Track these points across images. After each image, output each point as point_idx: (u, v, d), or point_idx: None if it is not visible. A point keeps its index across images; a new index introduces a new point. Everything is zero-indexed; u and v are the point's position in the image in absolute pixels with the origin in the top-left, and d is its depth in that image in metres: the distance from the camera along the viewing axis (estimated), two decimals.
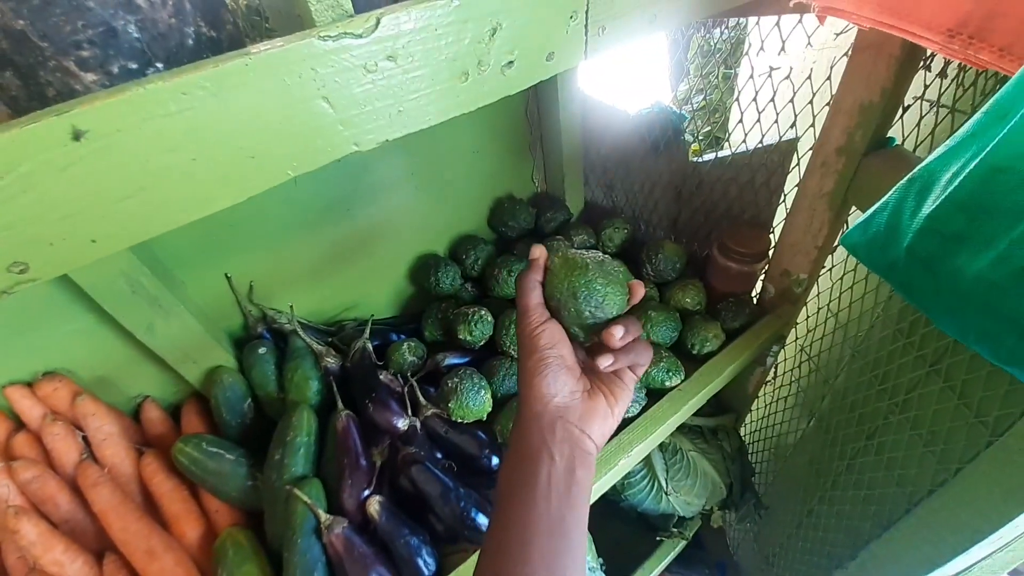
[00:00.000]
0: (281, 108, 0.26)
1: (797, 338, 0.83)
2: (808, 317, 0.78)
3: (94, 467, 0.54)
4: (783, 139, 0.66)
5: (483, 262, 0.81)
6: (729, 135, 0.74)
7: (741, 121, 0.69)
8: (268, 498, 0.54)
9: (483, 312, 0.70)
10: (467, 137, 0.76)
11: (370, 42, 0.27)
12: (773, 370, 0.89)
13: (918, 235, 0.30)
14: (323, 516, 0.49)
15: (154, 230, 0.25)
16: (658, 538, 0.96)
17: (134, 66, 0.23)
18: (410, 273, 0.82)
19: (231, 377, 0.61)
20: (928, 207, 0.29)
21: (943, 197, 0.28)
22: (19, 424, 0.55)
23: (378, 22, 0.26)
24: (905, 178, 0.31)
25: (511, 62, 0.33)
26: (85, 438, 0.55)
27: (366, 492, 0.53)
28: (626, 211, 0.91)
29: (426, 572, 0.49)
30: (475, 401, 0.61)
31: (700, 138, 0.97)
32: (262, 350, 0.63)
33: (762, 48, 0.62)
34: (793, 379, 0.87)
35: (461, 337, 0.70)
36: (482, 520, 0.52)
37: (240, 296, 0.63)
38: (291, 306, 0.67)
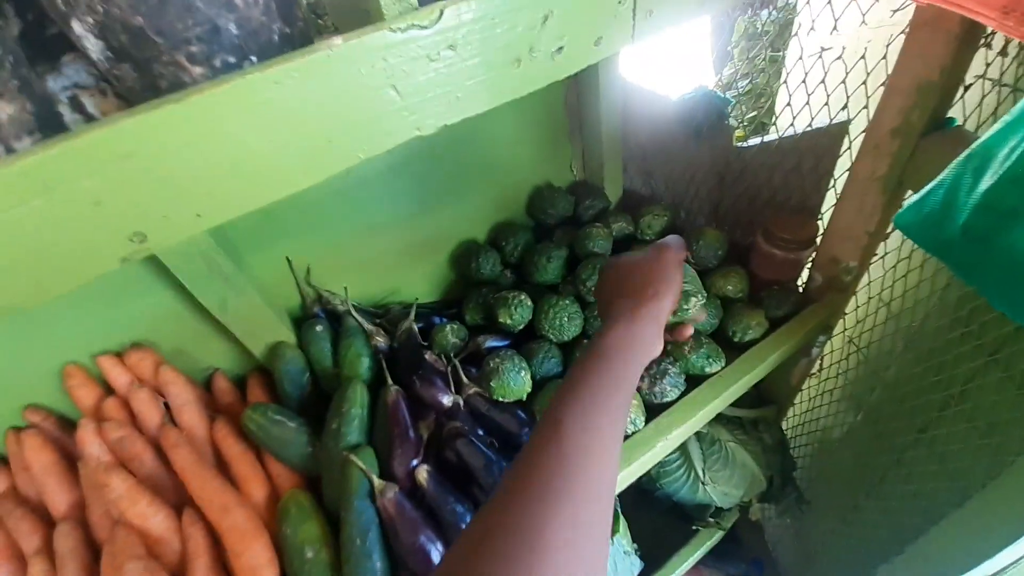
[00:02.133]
0: (356, 95, 0.29)
1: (845, 329, 0.80)
2: (858, 307, 0.75)
3: (174, 430, 0.60)
4: (833, 122, 0.64)
5: (522, 249, 0.83)
6: (776, 119, 0.73)
7: (789, 104, 0.68)
8: (326, 463, 0.58)
9: (523, 297, 0.73)
10: (507, 126, 0.78)
11: (434, 32, 0.29)
12: (819, 362, 0.87)
13: (973, 212, 0.30)
14: (376, 481, 0.53)
15: (249, 206, 0.29)
16: (694, 527, 0.96)
17: (233, 60, 0.27)
18: (451, 259, 0.85)
19: (292, 352, 0.66)
20: (985, 183, 0.29)
21: (1000, 173, 0.28)
22: (109, 390, 0.62)
23: (441, 13, 0.29)
24: (962, 155, 0.31)
25: (561, 48, 0.34)
26: (166, 404, 0.61)
27: (415, 462, 0.56)
28: (665, 198, 0.90)
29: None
30: (515, 381, 0.63)
31: (744, 123, 0.95)
32: (319, 328, 0.67)
33: (813, 28, 0.60)
34: (840, 371, 0.85)
35: (501, 321, 0.72)
36: None
37: (299, 278, 0.68)
38: (345, 288, 0.71)
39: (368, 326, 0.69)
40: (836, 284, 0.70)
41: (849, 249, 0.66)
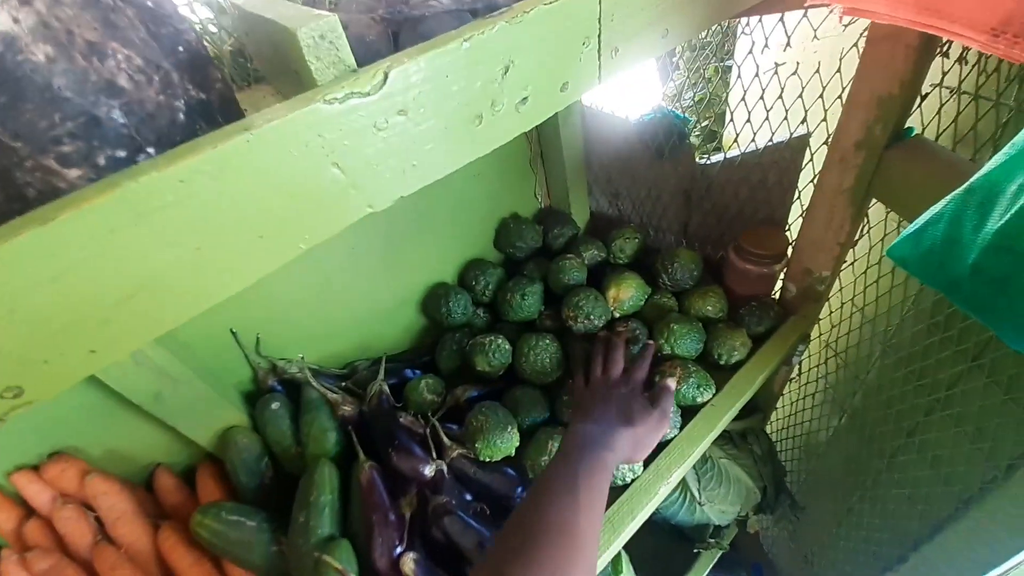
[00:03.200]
0: (289, 181, 0.23)
1: (821, 334, 0.81)
2: (831, 313, 0.76)
3: (110, 548, 0.51)
4: (794, 136, 0.63)
5: (494, 287, 0.79)
6: (738, 135, 0.72)
7: (749, 120, 0.67)
8: (296, 564, 0.51)
9: (500, 340, 0.68)
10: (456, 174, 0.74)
11: (379, 98, 0.24)
12: (797, 367, 0.87)
13: (986, 252, 0.27)
14: None
15: (160, 328, 0.23)
16: (695, 550, 0.94)
17: (123, 154, 0.21)
18: (420, 305, 0.80)
19: (245, 437, 0.58)
20: (995, 222, 0.27)
21: (1013, 211, 0.26)
22: (29, 510, 0.52)
23: (386, 77, 0.24)
24: (962, 188, 0.29)
25: (525, 98, 0.31)
26: (98, 518, 0.52)
27: (399, 549, 0.50)
28: (634, 219, 0.89)
29: None
30: (502, 439, 0.58)
31: (699, 135, 0.95)
32: (275, 405, 0.60)
33: (766, 45, 0.60)
34: (820, 375, 0.85)
35: (480, 369, 0.67)
36: None
37: (247, 349, 0.61)
38: (301, 356, 0.64)
39: (332, 395, 0.62)
40: (811, 294, 0.70)
41: (821, 260, 0.66)
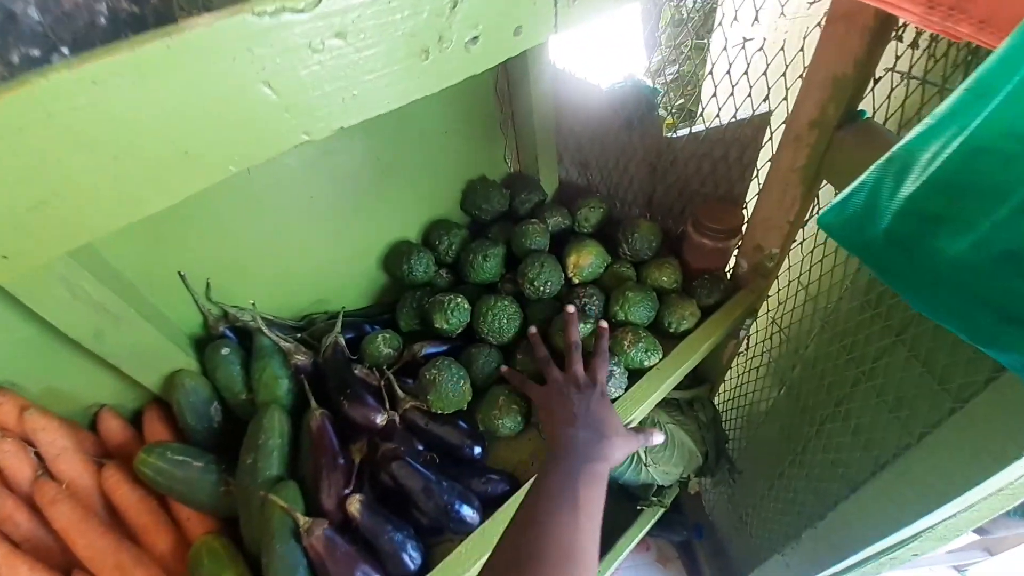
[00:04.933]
0: (215, 96, 0.23)
1: (769, 310, 0.84)
2: (779, 290, 0.79)
3: (50, 484, 0.50)
4: (756, 113, 0.65)
5: (457, 247, 0.79)
6: (703, 109, 0.73)
7: (715, 95, 0.68)
8: (243, 503, 0.52)
9: (459, 300, 0.69)
10: (434, 117, 0.72)
11: (314, 17, 0.24)
12: (745, 342, 0.91)
13: (896, 217, 0.29)
14: (302, 520, 0.48)
15: (77, 239, 0.22)
16: (638, 507, 1.00)
17: (36, 53, 0.20)
18: (382, 261, 0.79)
19: (193, 380, 0.58)
20: (907, 188, 0.29)
21: (923, 178, 0.28)
22: None
23: None
24: (883, 157, 0.31)
25: (476, 37, 0.30)
26: (38, 454, 0.51)
27: (346, 491, 0.51)
28: (601, 189, 0.89)
29: (412, 566, 0.49)
30: (455, 391, 0.59)
31: (673, 112, 0.95)
32: (225, 351, 0.59)
33: (736, 19, 0.60)
34: (765, 350, 0.90)
35: (437, 326, 0.68)
36: (466, 512, 0.51)
37: (197, 294, 0.59)
38: (253, 303, 0.64)
39: (285, 344, 0.62)
40: (760, 270, 0.73)
41: (772, 237, 0.68)
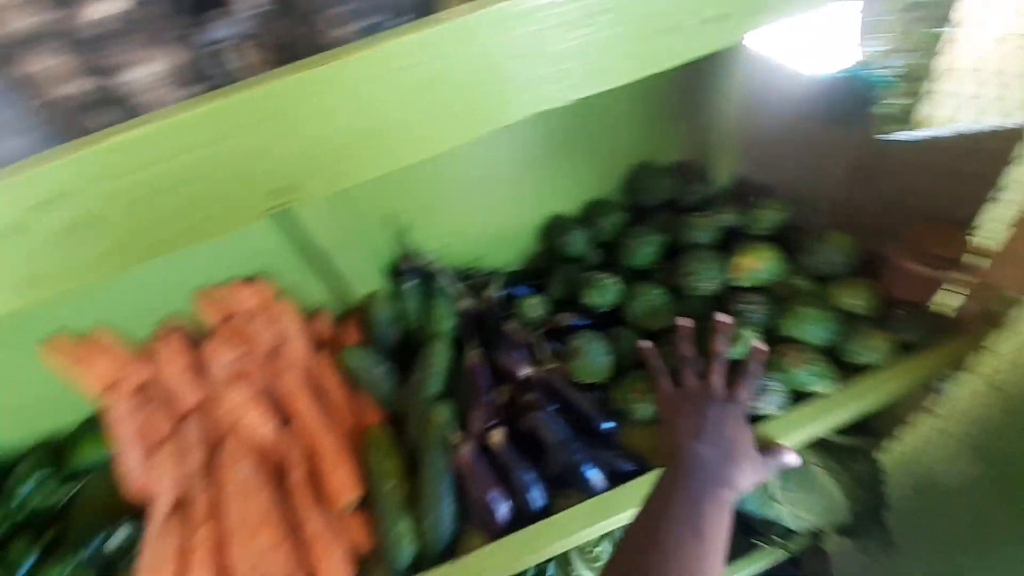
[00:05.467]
0: (491, 64, 0.28)
1: (988, 369, 0.69)
2: (1014, 349, 0.64)
3: (284, 356, 0.67)
4: (1008, 124, 0.52)
5: (615, 229, 0.80)
6: (932, 111, 0.61)
7: (954, 95, 0.56)
8: (408, 409, 0.62)
9: (612, 280, 0.70)
10: (612, 97, 0.73)
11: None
12: (942, 398, 0.76)
13: None
14: (453, 436, 0.56)
15: (389, 166, 0.29)
16: (755, 541, 0.91)
17: (378, 19, 0.27)
18: (538, 231, 0.84)
19: (384, 302, 0.70)
20: None
21: None
22: (231, 314, 0.70)
23: None
24: None
25: (725, 14, 0.31)
26: (279, 332, 0.68)
27: (490, 423, 0.58)
28: (783, 191, 0.81)
29: (535, 505, 0.53)
30: (598, 364, 0.62)
31: (895, 112, 0.81)
32: (411, 284, 0.71)
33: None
34: (972, 417, 0.73)
35: (587, 301, 0.71)
36: (592, 475, 0.54)
37: (399, 234, 0.71)
38: (438, 250, 0.74)
39: (455, 289, 0.71)
40: (991, 318, 0.59)
41: (1017, 279, 0.55)
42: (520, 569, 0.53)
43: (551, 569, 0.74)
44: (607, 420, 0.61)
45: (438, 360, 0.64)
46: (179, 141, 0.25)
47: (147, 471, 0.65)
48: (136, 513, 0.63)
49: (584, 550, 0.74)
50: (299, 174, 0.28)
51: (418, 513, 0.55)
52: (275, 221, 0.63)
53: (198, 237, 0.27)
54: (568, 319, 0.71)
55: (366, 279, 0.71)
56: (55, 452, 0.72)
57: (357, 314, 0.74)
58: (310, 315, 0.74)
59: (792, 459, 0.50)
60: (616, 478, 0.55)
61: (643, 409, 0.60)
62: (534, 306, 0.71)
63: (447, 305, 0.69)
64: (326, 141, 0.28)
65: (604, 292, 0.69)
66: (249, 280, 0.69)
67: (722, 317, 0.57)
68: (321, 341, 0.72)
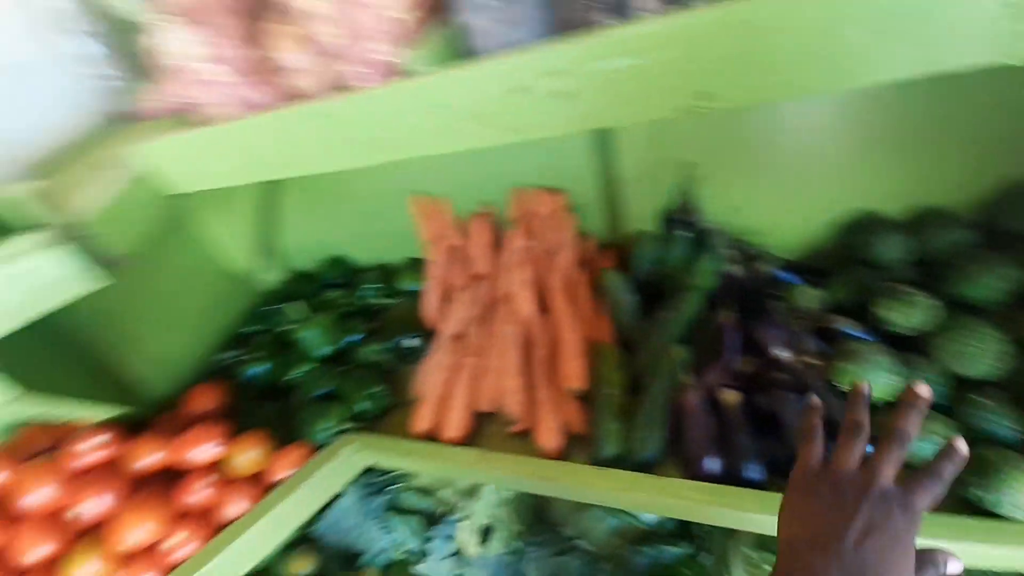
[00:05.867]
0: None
1: None
2: None
3: (556, 259, 0.79)
4: None
5: (949, 248, 0.65)
6: None
7: None
8: (643, 337, 0.67)
9: (930, 301, 0.59)
10: (984, 88, 0.57)
11: None
12: None
13: None
14: (685, 377, 0.59)
15: (808, 91, 0.31)
16: None
17: None
18: (837, 223, 0.74)
19: (652, 242, 0.74)
20: None
21: None
22: (529, 213, 0.85)
23: None
24: None
25: None
26: (559, 239, 0.81)
27: (725, 383, 0.59)
28: None
29: (751, 475, 0.53)
30: (875, 379, 0.55)
31: None
32: (682, 232, 0.73)
33: None
34: None
35: (881, 313, 0.62)
36: None
37: (686, 184, 0.73)
38: (720, 213, 0.73)
39: (727, 251, 0.70)
40: None
41: None
42: (700, 517, 0.55)
43: (708, 559, 0.73)
44: (869, 445, 0.55)
45: (687, 309, 0.66)
46: (652, 43, 0.32)
47: (440, 307, 0.88)
48: (426, 332, 0.88)
49: (751, 560, 0.71)
50: (721, 85, 0.32)
51: (630, 424, 0.61)
52: (594, 145, 0.72)
53: (633, 118, 0.35)
54: (845, 324, 0.64)
55: (641, 218, 0.76)
56: (388, 273, 1.03)
57: (618, 248, 0.81)
58: (583, 235, 0.85)
59: (954, 567, 0.38)
60: None
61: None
62: (809, 297, 0.66)
63: (712, 264, 0.70)
64: (751, 57, 0.31)
65: (912, 311, 0.59)
66: (551, 190, 0.82)
67: (921, 387, 0.39)
68: (583, 260, 0.82)
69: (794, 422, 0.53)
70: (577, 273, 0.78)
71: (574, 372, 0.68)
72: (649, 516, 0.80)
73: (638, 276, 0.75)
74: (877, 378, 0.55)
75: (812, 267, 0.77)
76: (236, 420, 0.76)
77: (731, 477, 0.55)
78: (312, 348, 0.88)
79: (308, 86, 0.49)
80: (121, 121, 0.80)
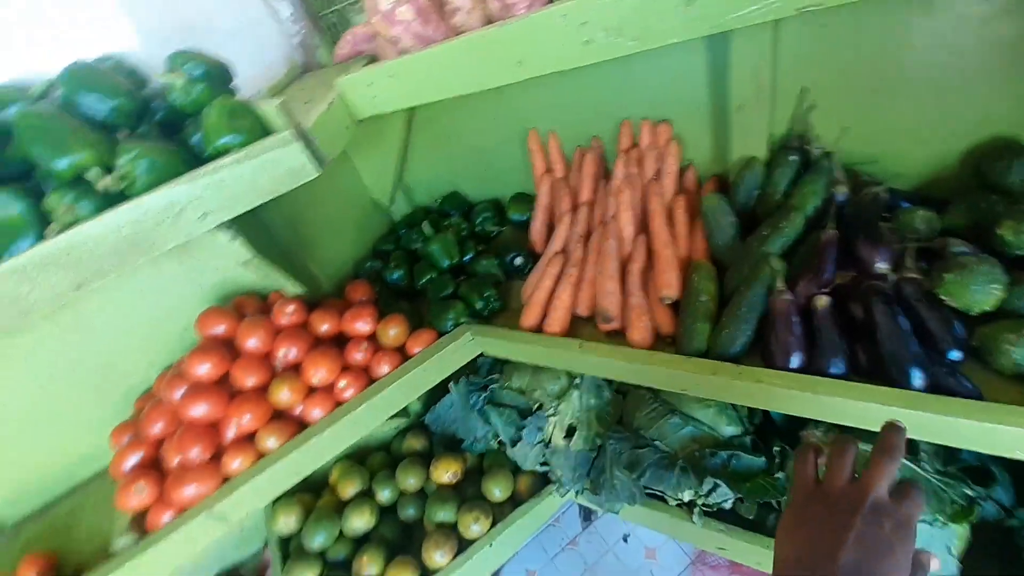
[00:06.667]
0: None
1: None
2: None
3: (656, 184, 0.86)
4: None
5: None
6: None
7: None
8: (738, 257, 0.72)
9: None
10: None
11: None
12: None
13: None
14: (780, 283, 0.64)
15: None
16: None
17: None
18: (966, 151, 0.71)
19: (755, 166, 0.77)
20: None
21: None
22: (634, 144, 0.91)
23: None
24: None
25: None
26: (661, 167, 0.87)
27: (818, 291, 0.63)
28: None
29: (832, 369, 0.58)
30: (981, 290, 0.56)
31: None
32: (792, 157, 0.75)
33: None
34: None
35: (1000, 234, 0.60)
36: (916, 375, 0.53)
37: (801, 108, 0.74)
38: (835, 138, 0.74)
39: (837, 174, 0.72)
40: None
41: None
42: (780, 404, 0.61)
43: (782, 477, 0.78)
44: (955, 348, 0.57)
45: (789, 228, 0.70)
46: None
47: (545, 232, 0.99)
48: (530, 253, 1.00)
49: None
50: None
51: (719, 325, 0.68)
52: (706, 72, 0.76)
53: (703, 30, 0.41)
54: (958, 245, 0.63)
55: (746, 146, 0.79)
56: (498, 205, 1.17)
57: (720, 177, 0.85)
58: (683, 166, 0.90)
59: (935, 565, 0.39)
60: (945, 392, 0.53)
61: (1010, 356, 0.53)
62: (924, 219, 0.66)
63: (819, 185, 0.71)
64: None
65: None
66: (657, 122, 0.87)
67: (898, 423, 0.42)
68: (685, 187, 0.87)
69: (890, 326, 0.56)
70: (677, 198, 0.84)
71: (668, 282, 0.76)
72: (727, 428, 0.86)
73: (739, 201, 0.79)
74: (982, 286, 0.56)
75: (928, 196, 0.75)
76: (382, 311, 0.96)
77: (814, 372, 0.60)
78: (438, 260, 1.04)
79: (470, 21, 0.61)
80: (320, 64, 1.00)
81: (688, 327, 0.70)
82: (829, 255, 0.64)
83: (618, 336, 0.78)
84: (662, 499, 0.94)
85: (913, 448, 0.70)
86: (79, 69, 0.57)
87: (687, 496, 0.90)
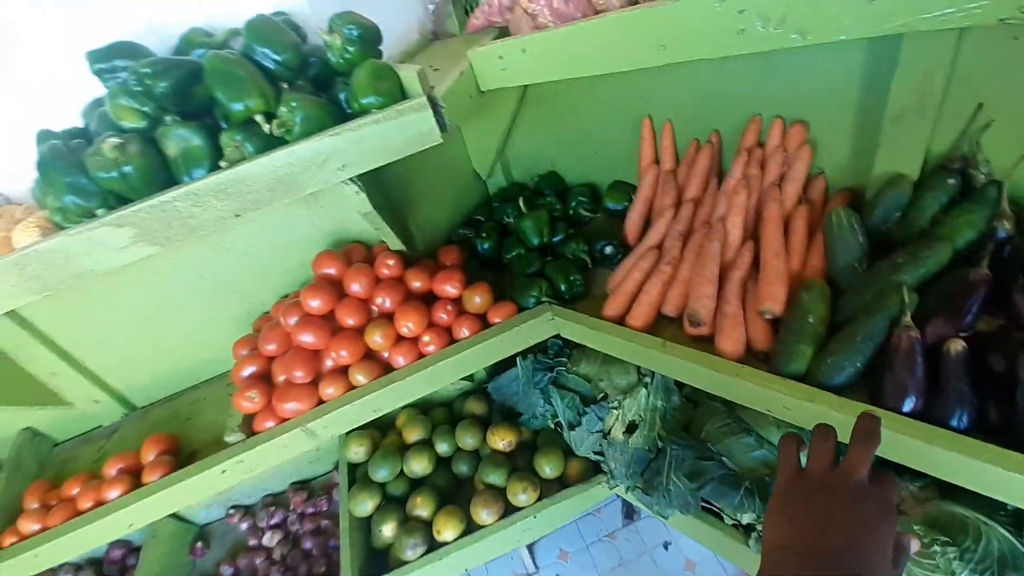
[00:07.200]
0: None
1: None
2: None
3: (776, 190, 0.80)
4: None
5: None
6: None
7: None
8: (863, 281, 0.66)
9: None
10: None
11: None
12: None
13: None
14: (907, 318, 0.58)
15: None
16: None
17: None
18: None
19: (904, 187, 0.69)
20: None
21: None
22: (758, 144, 0.85)
23: None
24: None
25: None
26: (787, 172, 0.80)
27: (953, 334, 0.56)
28: None
29: (954, 423, 0.52)
30: None
31: None
32: (951, 180, 0.66)
33: None
34: None
35: None
36: None
37: (973, 129, 0.65)
38: (1003, 163, 0.64)
39: (1002, 206, 0.62)
40: None
41: None
42: (892, 451, 0.56)
43: None
44: None
45: (932, 259, 0.62)
46: None
47: (642, 224, 0.97)
48: (622, 243, 0.99)
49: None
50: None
51: (825, 351, 0.63)
52: (864, 71, 0.68)
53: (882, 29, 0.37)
54: None
55: (892, 160, 0.71)
56: (595, 191, 1.16)
57: (853, 190, 0.77)
58: (812, 174, 0.82)
59: (916, 546, 0.42)
60: None
61: None
62: None
63: (978, 216, 0.63)
64: None
65: None
66: (791, 122, 0.81)
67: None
68: (810, 196, 0.81)
69: None
70: (799, 208, 0.78)
71: (773, 296, 0.71)
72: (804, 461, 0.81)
73: (873, 220, 0.71)
74: None
75: None
76: (468, 277, 1.00)
77: (930, 421, 0.54)
78: (528, 237, 1.06)
79: (613, 0, 0.60)
80: (449, 32, 1.04)
81: (789, 346, 0.66)
82: (976, 297, 0.57)
83: (705, 342, 0.76)
84: (717, 515, 0.92)
85: None
86: (260, 23, 0.65)
87: (747, 519, 0.87)
